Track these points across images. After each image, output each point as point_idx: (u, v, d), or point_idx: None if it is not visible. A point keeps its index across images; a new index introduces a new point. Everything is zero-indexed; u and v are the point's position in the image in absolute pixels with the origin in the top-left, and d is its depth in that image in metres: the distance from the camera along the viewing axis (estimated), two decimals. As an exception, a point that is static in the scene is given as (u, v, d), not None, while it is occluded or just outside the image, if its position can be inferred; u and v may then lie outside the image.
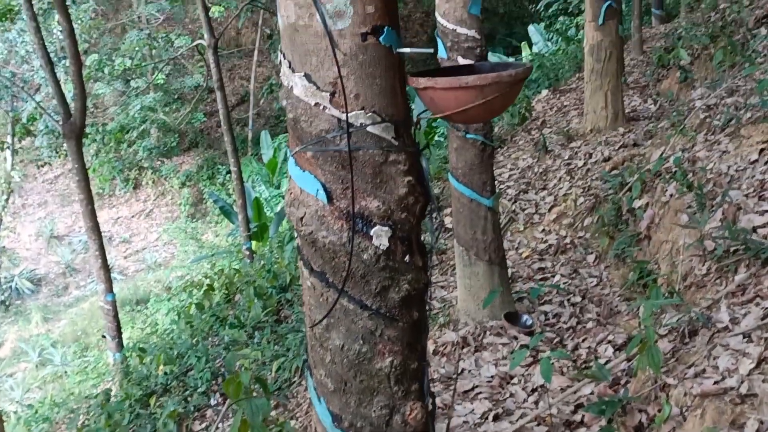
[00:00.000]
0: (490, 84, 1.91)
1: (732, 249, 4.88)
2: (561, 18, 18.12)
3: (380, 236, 1.93)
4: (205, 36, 12.48)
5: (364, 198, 1.92)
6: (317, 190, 1.93)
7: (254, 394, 4.85)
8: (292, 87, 1.95)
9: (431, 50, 2.06)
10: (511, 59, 16.69)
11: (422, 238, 2.07)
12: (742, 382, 3.70)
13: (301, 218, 1.97)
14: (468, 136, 5.96)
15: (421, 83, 1.99)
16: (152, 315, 16.01)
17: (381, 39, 1.87)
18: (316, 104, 1.91)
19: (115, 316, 10.39)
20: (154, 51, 20.58)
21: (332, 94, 1.89)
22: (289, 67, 1.96)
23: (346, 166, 1.90)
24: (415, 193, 1.95)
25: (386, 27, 1.86)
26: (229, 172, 19.29)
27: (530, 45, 17.65)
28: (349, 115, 1.88)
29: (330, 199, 1.93)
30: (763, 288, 4.38)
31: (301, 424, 5.54)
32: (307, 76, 1.91)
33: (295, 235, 2.06)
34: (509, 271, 6.28)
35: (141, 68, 20.03)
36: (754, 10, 8.71)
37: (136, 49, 19.21)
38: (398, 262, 1.97)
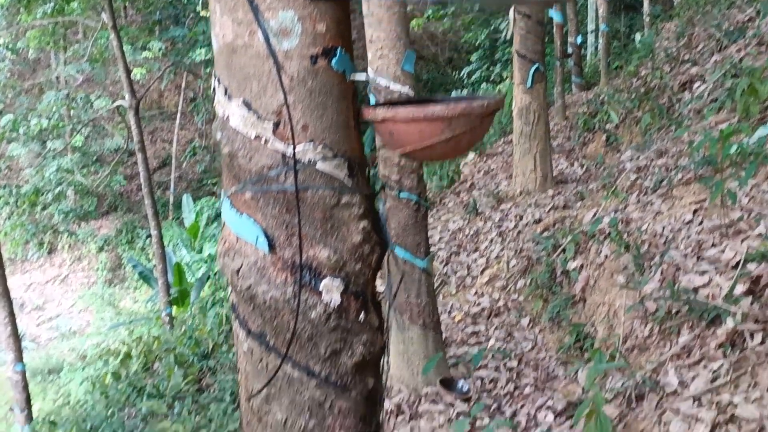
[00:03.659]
0: (458, 116, 1.66)
1: (674, 310, 4.76)
2: (484, 85, 18.38)
3: (331, 291, 1.65)
4: (126, 97, 12.14)
5: (313, 246, 1.65)
6: (257, 238, 1.65)
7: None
8: (228, 117, 1.69)
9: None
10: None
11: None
12: (697, 450, 3.52)
13: (237, 270, 1.68)
14: (401, 195, 5.77)
15: (380, 114, 1.73)
16: (65, 385, 15.13)
17: (333, 63, 1.62)
18: (257, 137, 1.64)
19: (25, 387, 9.75)
20: (72, 112, 19.96)
21: (276, 125, 1.63)
22: (225, 93, 1.69)
23: (291, 208, 1.63)
24: (370, 241, 1.69)
25: (339, 49, 1.63)
26: (149, 236, 18.68)
27: (454, 112, 17.80)
28: (296, 149, 1.62)
29: (272, 247, 1.65)
30: (710, 349, 4.25)
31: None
32: (247, 104, 1.64)
33: (227, 292, 1.77)
34: (442, 335, 6.05)
35: (58, 129, 19.38)
36: (676, 75, 8.89)
37: (54, 109, 18.58)
38: (351, 321, 1.69)
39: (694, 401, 3.93)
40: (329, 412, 1.70)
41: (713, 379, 4.01)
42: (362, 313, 1.70)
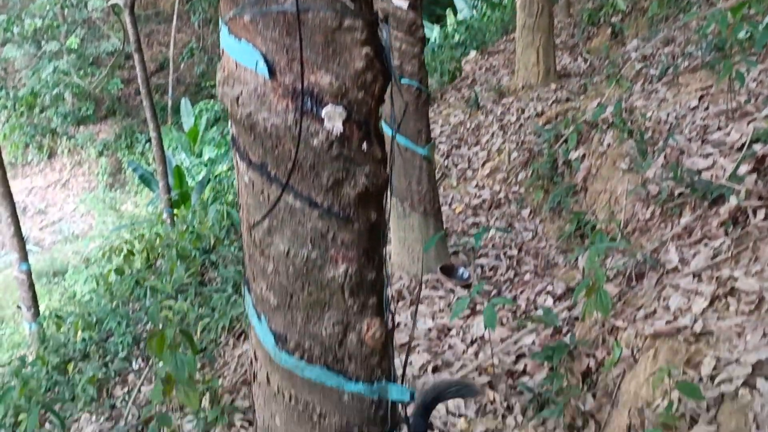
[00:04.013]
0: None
1: (676, 192, 4.75)
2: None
3: (333, 118, 1.61)
4: (121, -5, 11.84)
5: (314, 72, 1.60)
6: (257, 63, 1.59)
7: (179, 350, 4.52)
8: (225, -65, 1.61)
9: None
10: (436, 26, 16.48)
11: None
12: (695, 321, 3.56)
13: (237, 98, 1.63)
14: (402, 81, 5.69)
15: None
16: (70, 287, 15.31)
17: None
18: (255, -47, 1.57)
19: (31, 286, 9.82)
20: (66, 11, 19.53)
21: (275, -61, 1.55)
22: None
23: (292, 31, 1.57)
24: (373, 69, 1.64)
25: None
26: (148, 140, 18.57)
27: (455, 12, 17.43)
28: (295, -34, 1.55)
29: (272, 73, 1.60)
30: (712, 228, 4.25)
31: (229, 382, 5.22)
32: None
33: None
34: (443, 223, 6.06)
35: (53, 30, 19.00)
36: (684, -35, 8.65)
37: (48, 8, 18.17)
38: (354, 150, 1.65)
39: (694, 277, 3.95)
40: (332, 244, 1.68)
41: (714, 256, 4.02)
42: (365, 143, 1.66)
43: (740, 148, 4.69)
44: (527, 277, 5.92)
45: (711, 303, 3.65)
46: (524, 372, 4.61)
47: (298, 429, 1.78)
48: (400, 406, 1.87)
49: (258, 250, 1.73)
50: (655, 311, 3.87)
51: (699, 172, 4.66)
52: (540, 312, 4.71)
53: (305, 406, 1.75)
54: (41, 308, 10.70)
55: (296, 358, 1.72)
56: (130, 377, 6.71)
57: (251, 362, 1.87)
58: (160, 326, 4.93)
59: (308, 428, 1.77)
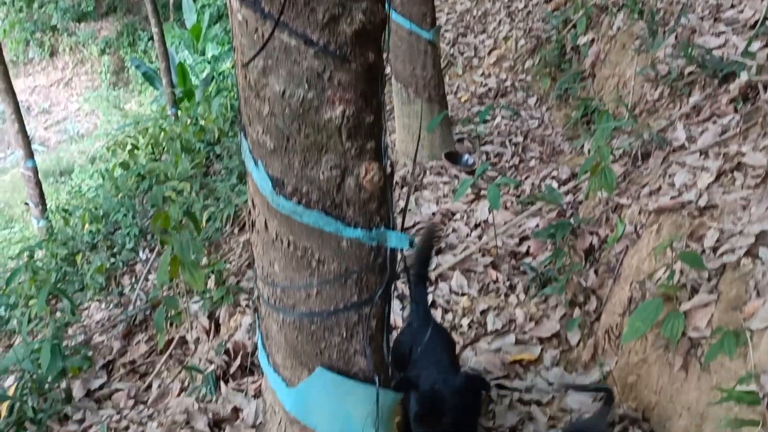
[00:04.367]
0: None
1: (687, 71, 4.65)
2: None
3: (327, -52, 1.54)
4: None
5: None
6: None
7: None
8: None
9: None
10: None
11: None
12: (700, 196, 3.53)
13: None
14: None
15: None
16: (77, 186, 15.34)
17: None
18: None
19: (38, 183, 9.83)
20: None
21: None
22: None
23: None
24: None
25: None
26: (150, 38, 18.25)
27: None
28: None
29: None
30: (721, 105, 4.18)
31: (234, 266, 5.26)
32: None
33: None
34: (448, 110, 5.98)
35: None
36: None
37: None
38: (350, -16, 1.59)
39: (700, 154, 3.90)
40: (328, 84, 1.63)
41: (722, 133, 3.96)
42: (362, -24, 1.59)
43: (753, 26, 4.57)
44: (532, 163, 5.89)
45: (717, 178, 3.62)
46: (527, 253, 4.63)
47: (296, 275, 1.78)
48: (399, 254, 1.86)
49: (253, 92, 1.68)
50: (659, 188, 3.84)
51: (710, 50, 4.55)
52: (544, 190, 4.68)
53: (304, 252, 1.74)
54: (49, 206, 10.74)
55: (294, 202, 1.70)
56: (138, 267, 6.78)
57: (249, 211, 1.85)
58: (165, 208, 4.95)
59: (307, 275, 1.76)
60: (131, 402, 4.56)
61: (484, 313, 4.19)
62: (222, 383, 3.98)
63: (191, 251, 4.25)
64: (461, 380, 2.57)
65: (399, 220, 1.96)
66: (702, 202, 3.47)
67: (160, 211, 4.50)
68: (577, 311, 3.93)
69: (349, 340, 1.82)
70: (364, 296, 1.79)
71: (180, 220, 4.42)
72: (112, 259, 7.00)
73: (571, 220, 4.17)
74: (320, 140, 1.66)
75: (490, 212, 5.04)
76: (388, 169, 1.75)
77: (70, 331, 5.76)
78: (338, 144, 1.67)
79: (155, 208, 6.39)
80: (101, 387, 4.97)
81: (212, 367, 4.10)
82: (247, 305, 4.64)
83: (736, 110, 4.07)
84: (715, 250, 3.22)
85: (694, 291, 3.16)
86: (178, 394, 4.25)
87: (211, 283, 4.88)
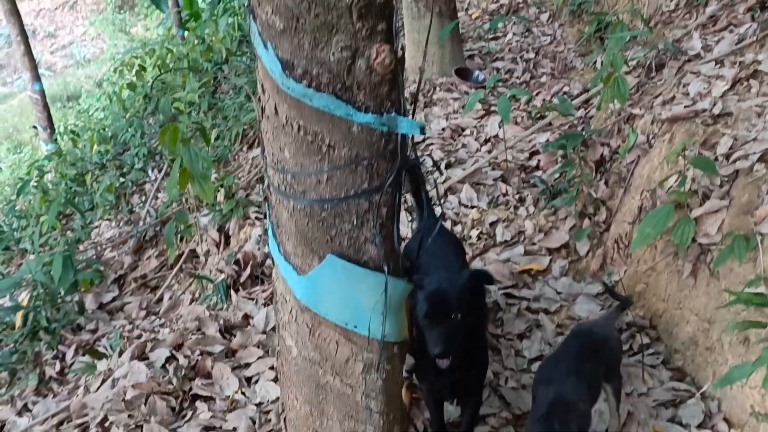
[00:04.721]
0: None
1: (703, -19, 4.54)
2: None
3: None
4: None
5: None
6: None
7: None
8: None
9: None
10: None
11: None
12: (714, 104, 3.49)
13: None
14: None
15: None
16: (84, 110, 15.27)
17: None
18: None
19: (45, 106, 9.74)
20: None
21: None
22: None
23: None
24: None
25: None
26: (155, -42, 17.87)
27: None
28: None
29: None
30: (738, 15, 4.10)
31: (244, 181, 5.26)
32: None
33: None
34: (458, 25, 5.88)
35: None
36: None
37: None
38: None
39: (716, 63, 3.84)
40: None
41: (738, 41, 3.89)
42: None
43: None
44: (543, 79, 5.81)
45: (732, 86, 3.56)
46: (537, 167, 4.61)
47: (307, 161, 1.76)
48: (410, 140, 1.84)
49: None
50: (673, 97, 3.79)
51: (728, -41, 4.43)
52: (556, 101, 4.62)
53: (314, 137, 1.72)
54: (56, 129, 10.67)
55: (304, 85, 1.67)
56: (147, 186, 6.79)
57: (259, 97, 1.83)
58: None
59: (317, 160, 1.75)
60: (143, 313, 4.63)
61: (493, 225, 4.19)
62: (232, 292, 4.02)
63: (201, 164, 4.23)
64: (466, 277, 2.58)
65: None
66: (716, 110, 3.42)
67: (168, 123, 4.46)
68: (586, 222, 3.92)
69: (359, 228, 1.82)
70: (375, 183, 1.78)
71: (190, 136, 4.38)
72: (122, 179, 7.01)
73: (583, 131, 4.12)
74: (330, 20, 1.63)
75: (500, 127, 5.00)
76: (399, 53, 1.71)
77: (81, 249, 5.81)
78: (349, 24, 1.63)
79: (165, 120, 6.34)
80: (113, 300, 5.04)
81: (222, 276, 4.14)
82: (256, 217, 4.66)
83: (753, 18, 3.99)
84: (728, 156, 3.19)
85: (706, 197, 3.14)
86: (189, 304, 4.30)
87: (220, 197, 4.88)
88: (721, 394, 2.99)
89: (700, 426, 2.96)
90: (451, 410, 3.16)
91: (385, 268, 1.85)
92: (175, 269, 4.94)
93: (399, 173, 1.81)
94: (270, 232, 1.96)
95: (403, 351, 2.06)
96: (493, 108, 5.24)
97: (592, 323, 3.09)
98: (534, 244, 4.02)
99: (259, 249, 4.28)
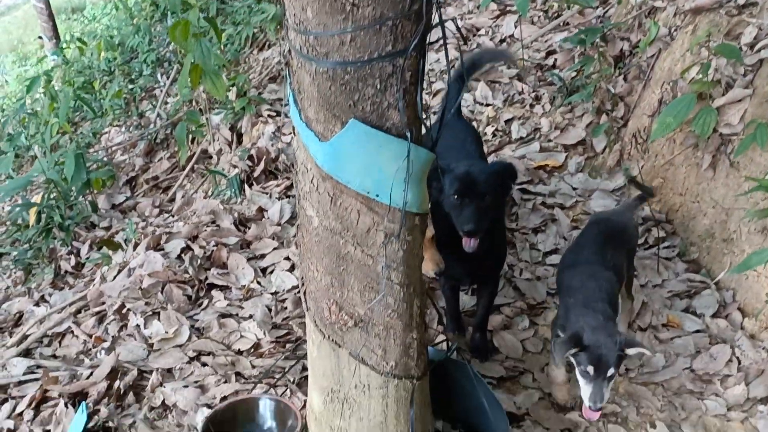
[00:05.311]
0: None
1: None
2: None
3: None
4: None
5: None
6: None
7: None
8: None
9: None
10: None
11: None
12: (739, -6, 3.38)
13: None
14: None
15: None
16: (90, 22, 15.05)
17: None
18: None
19: (50, 15, 9.59)
20: None
21: None
22: None
23: None
24: None
25: None
26: None
27: None
28: None
29: None
30: None
31: (256, 81, 5.20)
32: None
33: None
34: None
35: None
36: None
37: None
38: None
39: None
40: None
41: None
42: None
43: None
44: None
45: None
46: (554, 66, 4.53)
47: (330, 21, 1.71)
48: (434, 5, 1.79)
49: None
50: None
51: None
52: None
53: (337, -5, 1.68)
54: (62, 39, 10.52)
55: (328, -62, 1.62)
56: (156, 92, 6.72)
57: (280, -44, 1.77)
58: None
59: (341, 20, 1.70)
60: (156, 211, 4.63)
61: (508, 122, 4.15)
62: (246, 186, 4.01)
63: (212, 60, 4.16)
64: (495, 166, 2.63)
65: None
66: (741, 0, 3.33)
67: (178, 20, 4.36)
68: (603, 118, 3.88)
69: (383, 92, 1.78)
70: (399, 46, 1.73)
71: (202, 32, 4.27)
72: (131, 86, 6.93)
73: (602, 25, 4.03)
74: None
75: (516, 27, 4.90)
76: None
77: (91, 152, 5.78)
78: None
79: (174, 15, 6.22)
80: (125, 201, 5.04)
81: (236, 171, 4.12)
82: (269, 115, 4.62)
83: None
84: (752, 47, 3.13)
85: (728, 87, 3.09)
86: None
87: (232, 96, 4.82)
88: (736, 284, 3.00)
89: (714, 315, 2.99)
90: (466, 299, 3.19)
91: (408, 135, 1.82)
92: (187, 169, 4.92)
93: (423, 36, 1.77)
94: (291, 99, 1.93)
95: (424, 222, 2.05)
96: (509, 8, 5.12)
97: (612, 212, 3.08)
98: (550, 140, 3.98)
99: (272, 145, 4.26)
